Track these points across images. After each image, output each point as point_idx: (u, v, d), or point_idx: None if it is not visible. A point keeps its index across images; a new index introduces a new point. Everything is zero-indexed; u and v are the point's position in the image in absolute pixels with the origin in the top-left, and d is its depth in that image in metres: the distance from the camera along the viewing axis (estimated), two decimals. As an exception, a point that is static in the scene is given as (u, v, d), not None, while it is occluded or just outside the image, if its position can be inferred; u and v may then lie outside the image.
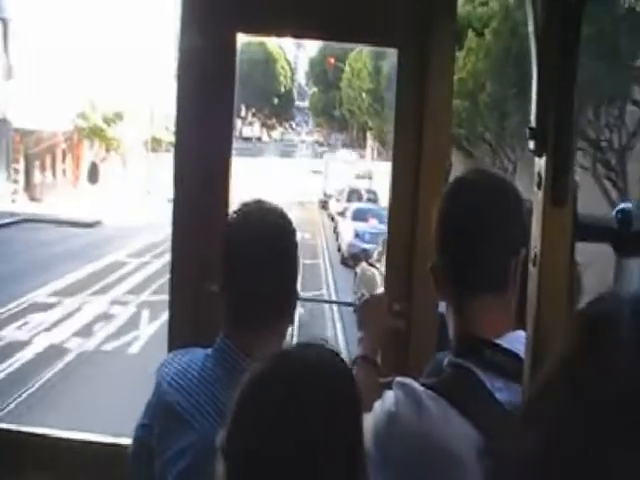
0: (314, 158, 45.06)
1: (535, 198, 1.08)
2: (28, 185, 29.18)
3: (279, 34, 2.51)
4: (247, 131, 56.60)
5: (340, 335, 12.26)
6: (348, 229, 20.33)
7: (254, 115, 59.64)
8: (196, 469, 1.53)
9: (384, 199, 19.89)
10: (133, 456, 1.75)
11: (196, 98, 2.15)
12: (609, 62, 11.21)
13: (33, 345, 11.21)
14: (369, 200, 25.23)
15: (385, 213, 2.41)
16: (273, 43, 52.36)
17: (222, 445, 1.13)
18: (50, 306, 13.57)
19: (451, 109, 2.28)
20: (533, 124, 1.06)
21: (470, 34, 16.03)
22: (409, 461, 1.34)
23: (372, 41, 2.41)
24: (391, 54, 2.25)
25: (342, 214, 23.12)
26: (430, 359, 1.69)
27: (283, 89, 61.81)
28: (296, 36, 2.45)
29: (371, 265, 15.10)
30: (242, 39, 2.23)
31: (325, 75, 52.45)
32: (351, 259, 18.39)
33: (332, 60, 47.23)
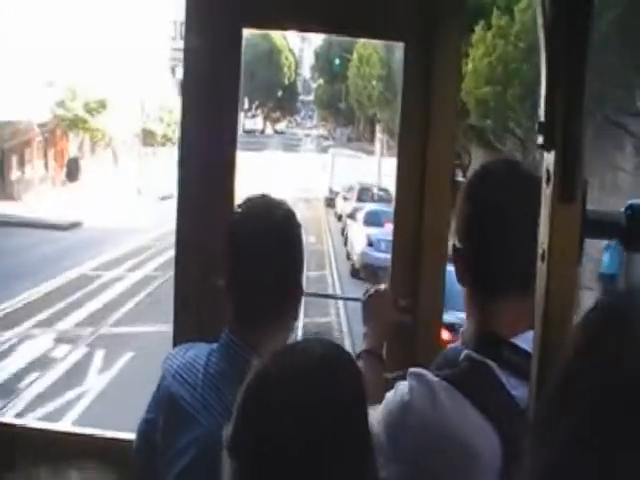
0: (319, 152, 43.59)
1: (544, 194, 1.07)
2: (3, 182, 25.81)
3: (284, 28, 2.50)
4: (250, 124, 54.34)
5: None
6: (360, 235, 17.49)
7: (257, 108, 58.25)
8: (201, 464, 1.53)
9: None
10: (137, 450, 1.75)
11: (201, 93, 2.15)
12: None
13: None
14: (381, 200, 21.48)
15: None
16: (277, 33, 50.72)
17: (228, 442, 1.13)
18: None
19: (457, 104, 2.27)
20: (542, 119, 1.05)
21: (495, 12, 14.34)
22: (422, 451, 1.33)
23: (378, 34, 2.40)
24: None
25: (352, 216, 20.12)
26: (435, 355, 1.68)
27: (287, 81, 60.46)
28: (301, 29, 2.44)
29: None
30: (245, 30, 2.22)
31: (331, 66, 50.58)
32: (363, 271, 15.97)
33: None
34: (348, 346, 11.20)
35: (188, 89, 2.18)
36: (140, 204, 25.73)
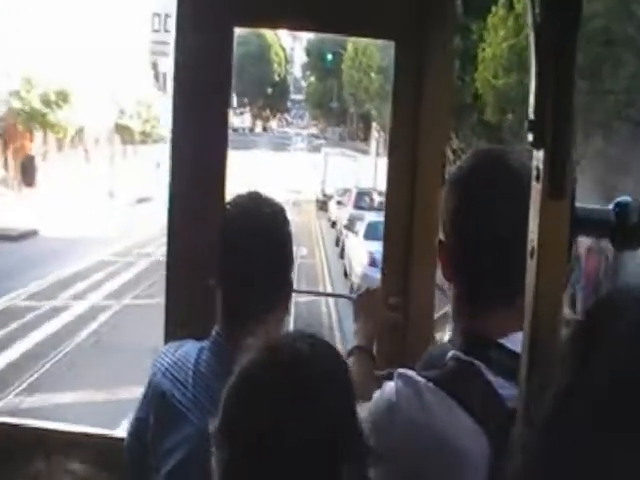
0: (311, 152, 41.72)
1: (533, 191, 1.08)
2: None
3: (276, 26, 2.51)
4: (237, 122, 50.98)
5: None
6: (360, 251, 15.18)
7: (246, 105, 56.19)
8: (192, 462, 1.53)
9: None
10: (128, 449, 1.75)
11: (193, 92, 2.15)
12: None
13: None
14: (382, 207, 16.10)
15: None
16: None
17: (214, 436, 1.13)
18: None
19: (451, 103, 2.27)
20: (531, 116, 1.06)
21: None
22: (409, 452, 1.32)
23: (369, 33, 2.40)
24: None
25: (350, 227, 17.44)
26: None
27: (277, 78, 58.81)
28: (293, 28, 2.46)
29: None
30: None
31: (323, 62, 48.70)
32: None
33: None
34: (338, 341, 10.66)
35: (179, 88, 2.18)
36: (111, 208, 23.14)
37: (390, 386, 1.37)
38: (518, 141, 12.24)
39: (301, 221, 20.90)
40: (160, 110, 30.38)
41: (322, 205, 26.93)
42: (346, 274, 16.39)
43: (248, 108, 56.79)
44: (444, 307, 1.76)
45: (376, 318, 1.91)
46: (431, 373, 1.36)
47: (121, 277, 15.08)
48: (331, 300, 13.66)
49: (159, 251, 15.93)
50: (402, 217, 2.14)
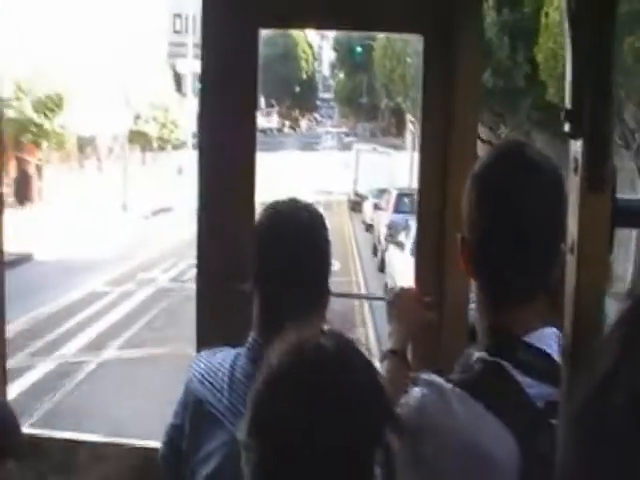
0: (341, 150, 39.93)
1: (571, 183, 1.04)
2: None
3: (302, 26, 2.51)
4: (264, 122, 47.94)
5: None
6: (407, 269, 10.57)
7: (273, 105, 54.24)
8: (228, 468, 1.52)
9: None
10: (163, 457, 1.75)
11: (219, 95, 2.14)
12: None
13: None
14: None
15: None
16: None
17: (244, 440, 1.13)
18: None
19: (481, 97, 2.24)
20: (568, 105, 1.02)
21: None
22: (438, 457, 1.31)
23: (396, 28, 2.39)
24: None
25: (393, 238, 14.12)
26: (461, 352, 1.66)
27: (305, 76, 57.29)
28: (319, 27, 2.45)
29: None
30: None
31: (352, 55, 46.62)
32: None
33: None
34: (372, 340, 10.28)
35: (206, 91, 2.18)
36: (124, 223, 20.97)
37: (416, 392, 1.36)
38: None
39: (333, 224, 18.17)
40: (180, 114, 29.63)
41: (354, 206, 25.27)
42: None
43: (276, 109, 55.24)
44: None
45: (410, 318, 1.88)
46: (457, 377, 1.34)
47: (110, 316, 11.92)
48: (367, 310, 12.43)
49: (166, 275, 14.89)
50: (435, 213, 2.12)
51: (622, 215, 1.04)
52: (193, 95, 33.05)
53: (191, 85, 32.79)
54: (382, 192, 20.90)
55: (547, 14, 12.08)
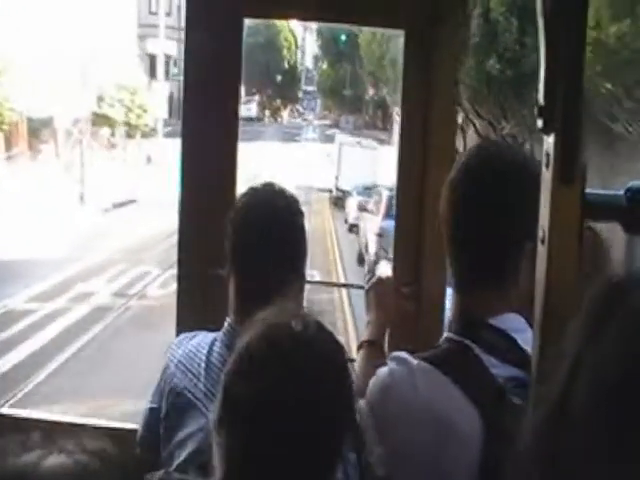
0: (323, 143, 37.80)
1: (544, 178, 1.07)
2: None
3: (285, 17, 2.52)
4: (243, 110, 45.79)
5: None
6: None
7: (255, 93, 51.71)
8: (204, 453, 1.54)
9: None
10: (141, 440, 1.76)
11: (202, 84, 2.15)
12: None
13: None
14: None
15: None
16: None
17: (214, 421, 1.15)
18: None
19: (458, 93, 2.27)
20: (541, 102, 1.05)
21: None
22: (403, 431, 1.36)
23: (378, 23, 2.40)
24: None
25: (387, 254, 11.05)
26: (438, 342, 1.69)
27: (287, 65, 55.47)
28: (302, 18, 2.46)
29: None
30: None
31: (336, 43, 45.84)
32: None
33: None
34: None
35: (189, 80, 2.18)
36: (78, 217, 17.95)
37: (384, 369, 1.42)
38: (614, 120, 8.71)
39: (313, 224, 16.68)
40: (150, 98, 26.95)
41: (336, 201, 23.97)
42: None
43: (257, 97, 52.65)
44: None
45: (388, 308, 1.91)
46: (425, 354, 1.40)
47: (19, 351, 8.95)
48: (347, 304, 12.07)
49: (110, 287, 12.09)
50: (413, 203, 2.14)
51: (591, 208, 1.08)
52: (165, 78, 31.83)
53: (163, 67, 31.32)
54: (367, 189, 20.01)
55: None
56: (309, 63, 65.51)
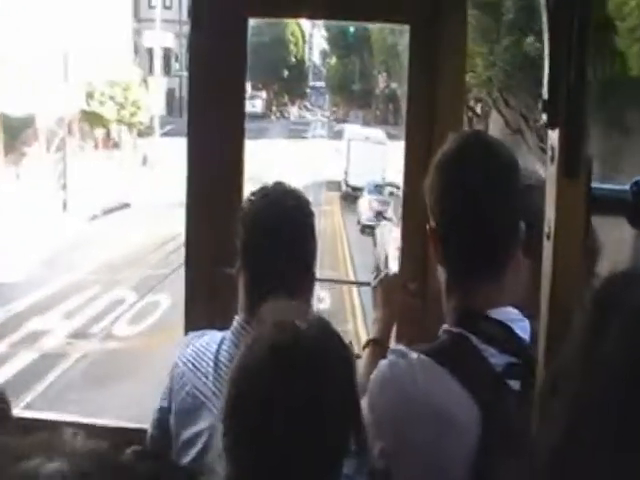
0: (331, 139, 36.79)
1: (548, 172, 1.07)
2: None
3: (290, 15, 2.52)
4: (248, 106, 44.63)
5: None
6: None
7: (260, 88, 49.90)
8: (212, 452, 1.54)
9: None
10: (152, 438, 1.77)
11: (207, 84, 2.16)
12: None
13: None
14: None
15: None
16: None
17: (221, 420, 1.16)
18: None
19: (464, 87, 2.26)
20: (545, 96, 1.05)
21: None
22: (401, 424, 1.37)
23: (383, 18, 2.40)
24: None
25: None
26: None
27: (294, 60, 54.01)
28: (307, 17, 2.46)
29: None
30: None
31: (345, 36, 44.94)
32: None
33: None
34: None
35: (194, 79, 2.19)
36: (59, 229, 15.89)
37: (384, 362, 1.43)
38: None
39: (324, 224, 15.89)
40: (145, 95, 25.28)
41: (347, 196, 23.50)
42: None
43: (262, 93, 50.88)
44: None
45: (395, 304, 1.91)
46: (424, 346, 1.42)
47: None
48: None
49: (71, 323, 10.04)
50: (419, 201, 2.14)
51: (597, 202, 1.08)
52: (163, 73, 30.83)
53: (161, 62, 30.18)
54: (378, 187, 19.68)
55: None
56: (317, 58, 65.02)
